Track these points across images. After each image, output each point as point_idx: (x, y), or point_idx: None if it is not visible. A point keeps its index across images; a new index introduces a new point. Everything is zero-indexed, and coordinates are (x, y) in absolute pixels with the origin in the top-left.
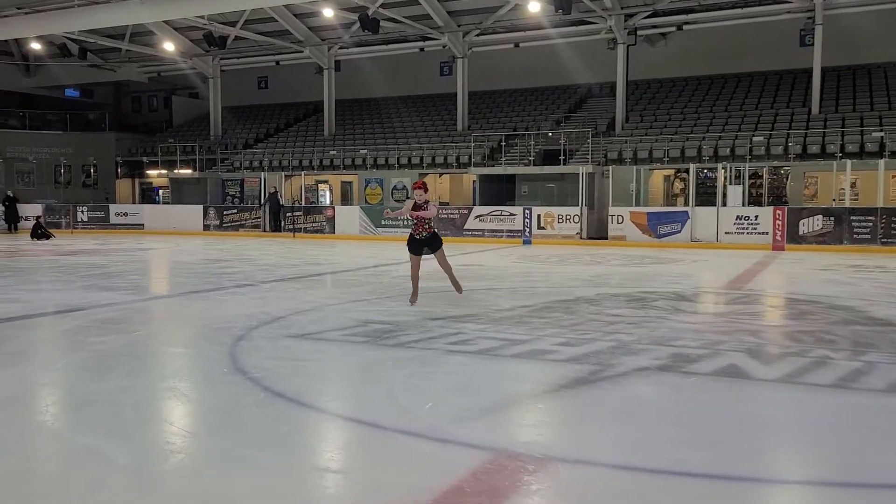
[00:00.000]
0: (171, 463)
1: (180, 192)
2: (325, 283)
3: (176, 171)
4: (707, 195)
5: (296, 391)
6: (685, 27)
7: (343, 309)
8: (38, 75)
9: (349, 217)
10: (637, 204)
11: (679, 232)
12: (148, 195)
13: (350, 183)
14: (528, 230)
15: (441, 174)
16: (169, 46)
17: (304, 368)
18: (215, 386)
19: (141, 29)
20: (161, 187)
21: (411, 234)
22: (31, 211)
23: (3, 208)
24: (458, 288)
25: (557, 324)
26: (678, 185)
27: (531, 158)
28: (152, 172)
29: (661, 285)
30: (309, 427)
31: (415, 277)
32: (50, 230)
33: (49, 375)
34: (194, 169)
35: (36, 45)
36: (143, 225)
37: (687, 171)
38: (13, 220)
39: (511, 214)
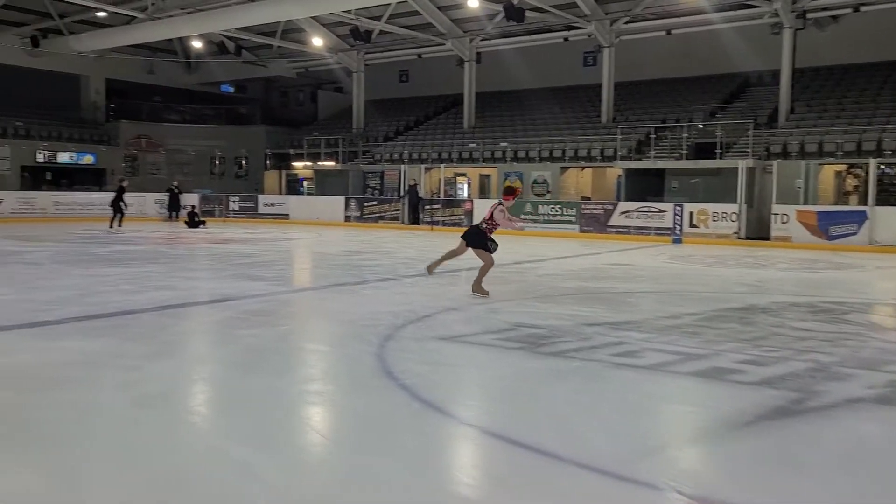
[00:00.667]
0: (317, 479)
1: (323, 184)
2: (468, 280)
3: (319, 163)
4: (887, 193)
5: (450, 403)
6: (862, 8)
7: (491, 309)
8: (197, 72)
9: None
10: (805, 202)
11: (855, 234)
12: (293, 186)
13: (488, 176)
14: (678, 228)
15: (583, 168)
16: (317, 41)
17: (458, 377)
18: (365, 392)
19: (291, 26)
20: (305, 179)
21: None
22: (189, 200)
23: (166, 197)
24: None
25: (735, 337)
26: (851, 182)
27: (683, 152)
28: (297, 164)
29: (846, 295)
30: (467, 448)
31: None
32: (203, 218)
33: (199, 370)
34: (337, 161)
35: (197, 44)
36: (288, 215)
37: (862, 166)
38: (175, 209)
39: (660, 211)
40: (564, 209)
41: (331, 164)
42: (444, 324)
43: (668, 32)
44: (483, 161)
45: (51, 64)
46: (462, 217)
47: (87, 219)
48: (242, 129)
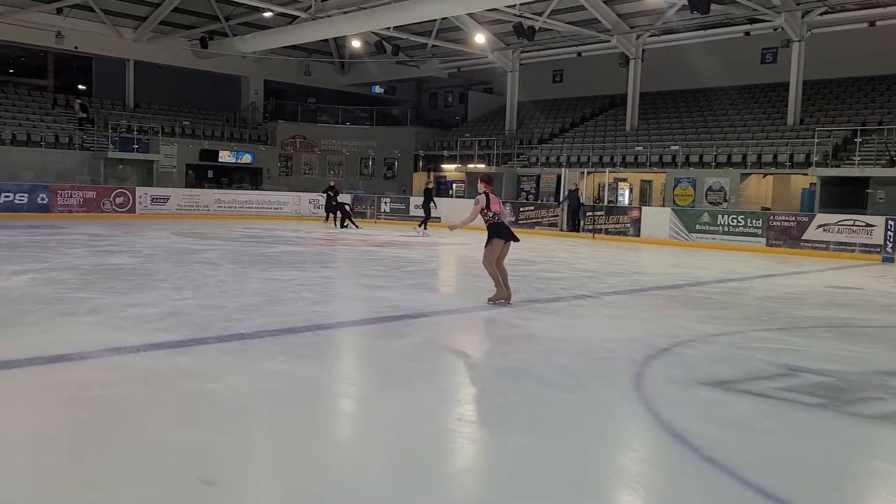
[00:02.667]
0: None
1: (475, 187)
2: (680, 301)
3: (470, 165)
4: None
5: (801, 496)
6: None
7: (735, 343)
8: (350, 73)
9: (658, 219)
10: None
11: None
12: (441, 189)
13: (650, 182)
14: (890, 245)
15: (765, 175)
16: (480, 38)
17: (776, 450)
18: (668, 469)
19: (447, 24)
20: (454, 181)
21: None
22: (341, 200)
23: (324, 198)
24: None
25: None
26: None
27: (891, 157)
28: (446, 166)
29: None
30: None
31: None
32: (355, 220)
33: (440, 412)
34: (488, 163)
35: (356, 44)
36: (439, 218)
37: None
38: (331, 210)
39: (868, 225)
40: (749, 220)
41: (482, 166)
42: (693, 362)
43: (872, 24)
44: (650, 165)
45: (215, 65)
46: (628, 225)
47: (246, 216)
48: (393, 130)
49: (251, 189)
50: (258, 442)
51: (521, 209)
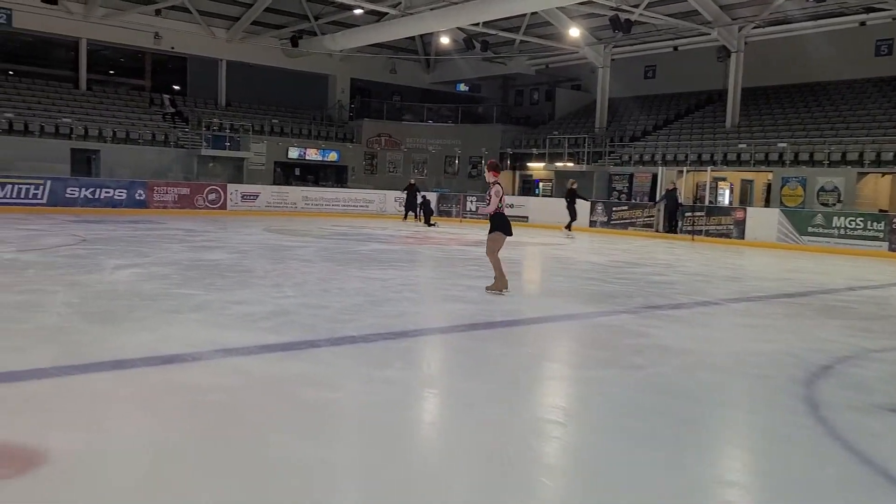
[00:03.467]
0: None
1: (563, 186)
2: (816, 310)
3: (558, 163)
4: None
5: None
6: None
7: None
8: (435, 71)
9: (764, 221)
10: None
11: None
12: (528, 187)
13: (751, 181)
14: None
15: (884, 174)
16: (574, 32)
17: None
18: None
19: (536, 20)
20: (541, 180)
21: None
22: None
23: (404, 195)
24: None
25: None
26: None
27: None
28: (533, 165)
29: None
30: None
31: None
32: (438, 219)
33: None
34: (577, 161)
35: (444, 40)
36: (527, 217)
37: None
38: (412, 208)
39: None
40: (869, 223)
41: (572, 164)
42: (867, 383)
43: None
44: (754, 164)
45: (303, 64)
46: (731, 227)
47: (332, 214)
48: (478, 128)
49: (337, 187)
50: (386, 460)
51: (614, 209)
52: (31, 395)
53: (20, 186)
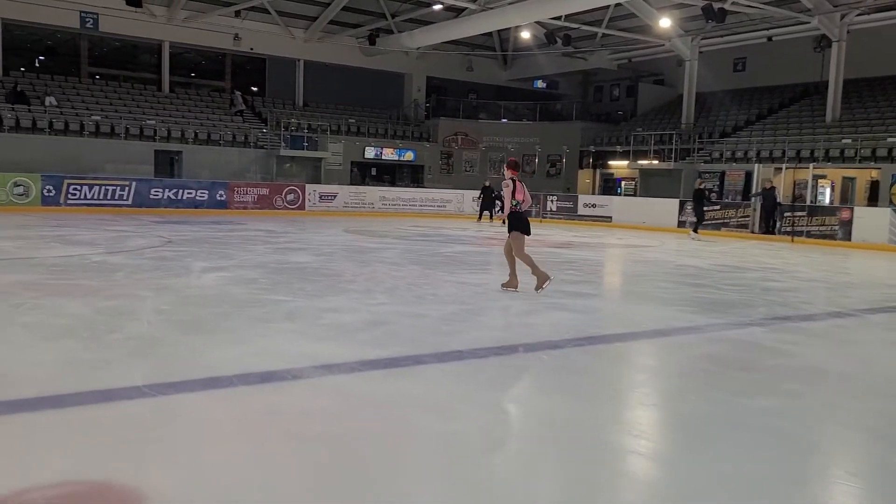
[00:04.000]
0: None
1: (647, 184)
2: None
3: (642, 161)
4: None
5: None
6: None
7: None
8: (512, 68)
9: (874, 222)
10: None
11: None
12: (609, 186)
13: (852, 179)
14: None
15: None
16: (665, 23)
17: None
18: None
19: (620, 12)
20: (623, 178)
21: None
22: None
23: (479, 196)
24: (513, 284)
25: None
26: None
27: None
28: (615, 163)
29: None
30: None
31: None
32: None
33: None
34: (663, 159)
35: (525, 35)
36: (610, 217)
37: None
38: (488, 208)
39: None
40: None
41: (657, 162)
42: None
43: None
44: (860, 160)
45: (379, 63)
46: (835, 228)
47: (409, 214)
48: (556, 125)
49: (412, 187)
50: None
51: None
52: (125, 417)
53: (107, 188)
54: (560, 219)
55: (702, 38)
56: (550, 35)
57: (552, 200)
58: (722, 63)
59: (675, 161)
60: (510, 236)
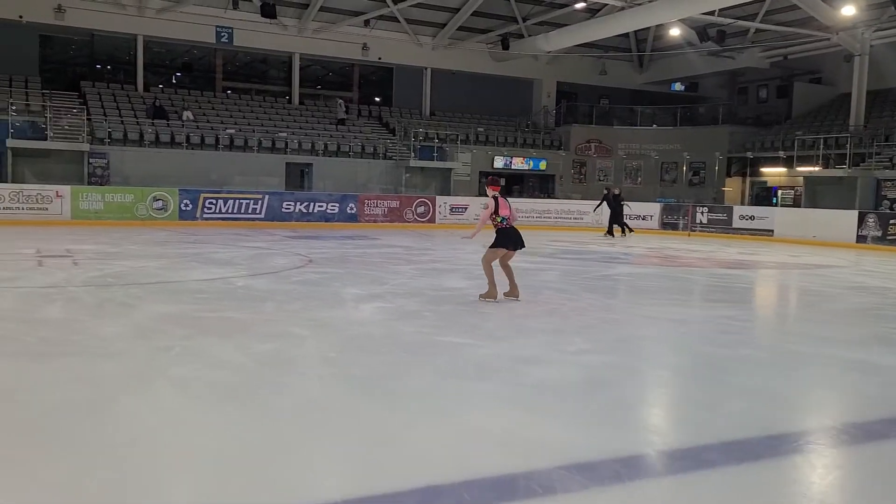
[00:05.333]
0: None
1: (813, 194)
2: None
3: (803, 167)
4: None
5: None
6: None
7: None
8: (648, 71)
9: None
10: None
11: None
12: (762, 196)
13: None
14: None
15: None
16: (848, 10)
17: None
18: None
19: (778, 4)
20: (780, 187)
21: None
22: (644, 210)
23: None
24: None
25: None
26: None
27: None
28: (768, 170)
29: None
30: None
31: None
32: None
33: None
34: (825, 166)
35: (674, 32)
36: (772, 231)
37: None
38: (617, 221)
39: None
40: None
41: (818, 169)
42: None
43: None
44: None
45: (508, 69)
46: None
47: (543, 227)
48: (700, 130)
49: (542, 197)
50: None
51: (890, 221)
52: None
53: (240, 201)
54: (712, 232)
55: (874, 31)
56: (703, 32)
57: (702, 212)
58: (894, 58)
59: (850, 167)
60: (490, 247)
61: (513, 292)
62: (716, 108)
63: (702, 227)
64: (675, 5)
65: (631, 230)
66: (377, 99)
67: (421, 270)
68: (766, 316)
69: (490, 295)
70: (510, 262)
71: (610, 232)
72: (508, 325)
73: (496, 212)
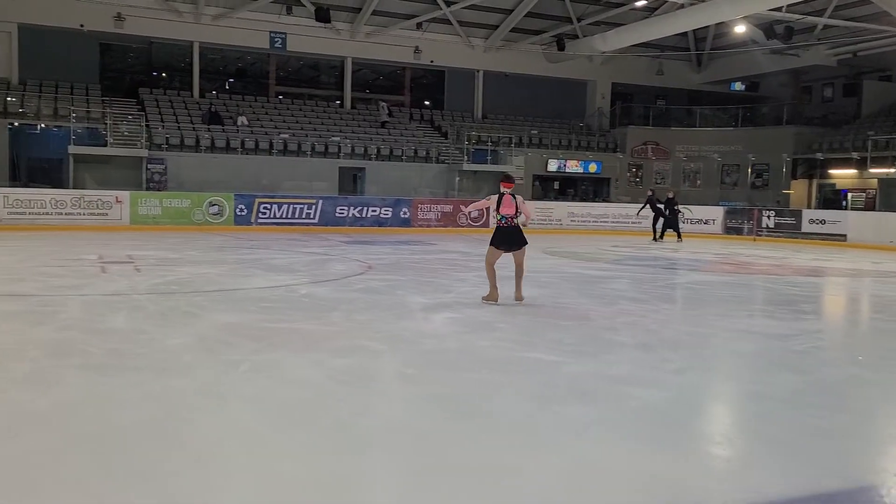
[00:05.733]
0: None
1: (888, 197)
2: None
3: (878, 169)
4: None
5: None
6: None
7: None
8: (706, 70)
9: None
10: None
11: None
12: (831, 199)
13: None
14: None
15: None
16: None
17: None
18: None
19: None
20: (849, 189)
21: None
22: (706, 214)
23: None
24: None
25: None
26: None
27: None
28: (837, 172)
29: None
30: None
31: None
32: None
33: None
34: None
35: (740, 29)
36: (844, 236)
37: None
38: (672, 225)
39: None
40: None
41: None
42: None
43: None
44: None
45: (562, 71)
46: None
47: (600, 232)
48: (762, 131)
49: (596, 201)
50: None
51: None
52: None
53: (295, 206)
54: (780, 237)
55: None
56: (769, 29)
57: (768, 216)
58: None
59: None
60: (489, 247)
61: (492, 296)
62: (779, 108)
63: (768, 231)
64: (740, 2)
65: (661, 237)
66: (428, 102)
67: (484, 278)
68: (866, 331)
69: (491, 297)
70: (524, 264)
71: (660, 237)
72: (591, 338)
73: (497, 209)
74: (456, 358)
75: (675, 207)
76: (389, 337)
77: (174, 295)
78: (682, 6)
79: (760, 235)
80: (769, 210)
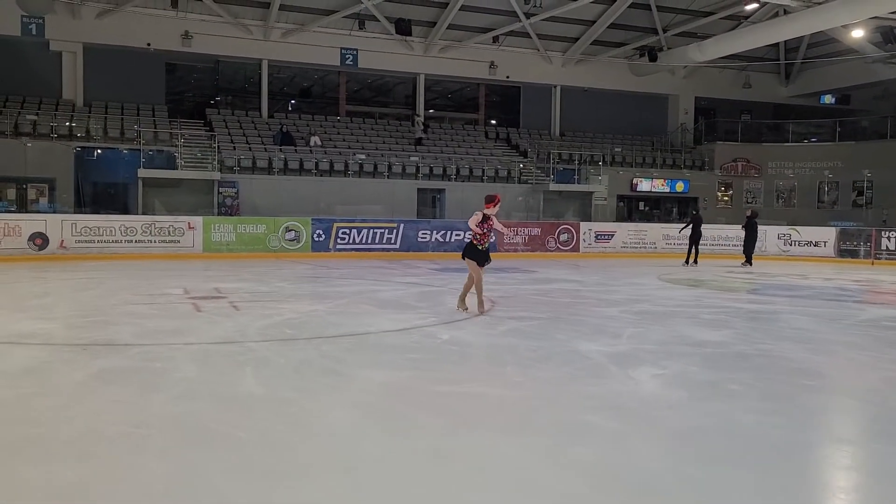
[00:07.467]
0: None
1: None
2: None
3: None
4: None
5: None
6: None
7: None
8: (796, 82)
9: None
10: None
11: None
12: None
13: None
14: None
15: None
16: None
17: None
18: None
19: None
20: None
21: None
22: (815, 235)
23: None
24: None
25: None
26: None
27: None
28: None
29: None
30: None
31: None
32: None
33: None
34: None
35: (857, 34)
36: None
37: None
38: (750, 248)
39: None
40: None
41: None
42: None
43: None
44: None
45: (643, 85)
46: None
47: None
48: (863, 146)
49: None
50: None
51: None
52: None
53: (375, 231)
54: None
55: None
56: (889, 34)
57: (889, 237)
58: None
59: None
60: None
61: (462, 304)
62: (881, 122)
63: (888, 254)
64: (859, 4)
65: (696, 261)
66: (500, 119)
67: (636, 314)
68: None
69: (480, 309)
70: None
71: (748, 261)
72: (857, 409)
73: (486, 230)
74: (713, 441)
75: (756, 229)
76: (609, 407)
77: (296, 342)
78: (808, 8)
79: (879, 258)
80: (890, 231)
